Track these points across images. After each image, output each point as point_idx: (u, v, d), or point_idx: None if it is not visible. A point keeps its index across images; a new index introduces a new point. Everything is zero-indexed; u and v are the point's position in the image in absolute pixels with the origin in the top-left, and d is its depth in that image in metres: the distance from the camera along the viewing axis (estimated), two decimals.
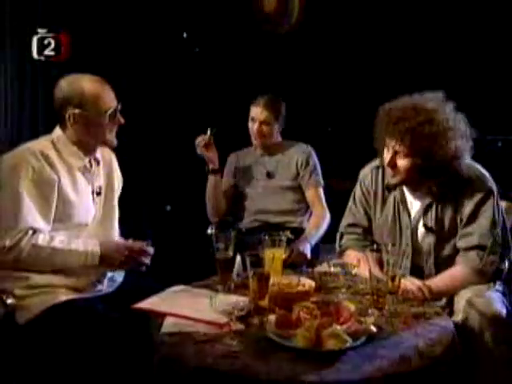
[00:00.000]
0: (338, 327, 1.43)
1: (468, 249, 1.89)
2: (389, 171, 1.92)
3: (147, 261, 1.89)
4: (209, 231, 2.37)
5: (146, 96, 3.38)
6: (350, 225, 2.13)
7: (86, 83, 1.82)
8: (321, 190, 2.69)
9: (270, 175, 2.70)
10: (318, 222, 2.61)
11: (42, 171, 1.74)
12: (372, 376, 1.33)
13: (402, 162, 1.86)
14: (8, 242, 1.68)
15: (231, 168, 2.78)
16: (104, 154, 1.99)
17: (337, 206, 2.42)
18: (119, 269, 1.91)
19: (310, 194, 2.67)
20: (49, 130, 1.92)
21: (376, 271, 1.68)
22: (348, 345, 1.40)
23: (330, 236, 2.44)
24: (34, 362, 1.71)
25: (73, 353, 1.68)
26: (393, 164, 1.88)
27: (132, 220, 2.12)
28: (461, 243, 1.91)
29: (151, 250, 1.90)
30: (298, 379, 1.31)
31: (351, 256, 2.01)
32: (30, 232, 1.71)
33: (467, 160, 1.90)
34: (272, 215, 2.65)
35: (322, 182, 2.70)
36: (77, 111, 1.80)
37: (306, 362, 1.36)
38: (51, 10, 3.03)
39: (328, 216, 2.64)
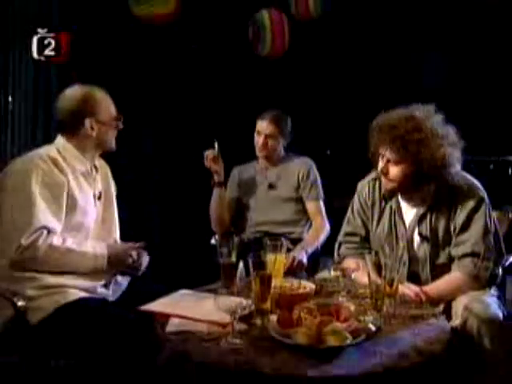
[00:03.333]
0: (339, 324, 1.48)
1: (462, 256, 1.94)
2: (383, 179, 1.99)
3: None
4: (212, 241, 2.42)
5: (148, 103, 3.43)
6: (348, 234, 2.20)
7: (95, 92, 1.94)
8: (321, 203, 2.76)
9: (271, 186, 2.77)
10: (316, 233, 2.68)
11: (51, 174, 1.83)
12: (371, 371, 1.37)
13: (394, 169, 1.93)
14: (24, 241, 1.73)
15: (234, 181, 2.86)
16: (101, 163, 2.09)
17: (336, 222, 2.47)
18: (127, 271, 1.96)
19: (310, 206, 2.75)
20: (47, 130, 1.99)
21: (374, 276, 1.73)
22: (348, 342, 1.44)
23: (329, 249, 2.48)
24: (45, 360, 1.76)
25: (82, 350, 1.73)
26: (385, 171, 1.95)
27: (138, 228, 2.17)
28: (455, 251, 1.97)
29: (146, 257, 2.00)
30: (300, 374, 1.36)
31: (349, 264, 2.06)
32: (45, 232, 1.78)
33: (458, 169, 1.97)
34: (273, 225, 2.71)
35: (322, 194, 2.77)
36: (93, 119, 1.92)
37: (307, 357, 1.41)
38: (51, 10, 3.06)
39: (327, 228, 2.71)
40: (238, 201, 2.83)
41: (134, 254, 1.95)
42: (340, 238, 2.22)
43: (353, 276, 1.83)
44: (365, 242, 2.15)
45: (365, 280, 1.78)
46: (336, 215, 2.49)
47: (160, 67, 3.55)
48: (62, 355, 1.78)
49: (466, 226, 1.94)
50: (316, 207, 2.74)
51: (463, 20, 3.54)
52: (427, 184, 1.95)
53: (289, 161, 2.81)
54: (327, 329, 1.45)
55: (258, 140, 2.72)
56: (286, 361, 1.40)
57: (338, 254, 2.18)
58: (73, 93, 1.94)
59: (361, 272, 1.84)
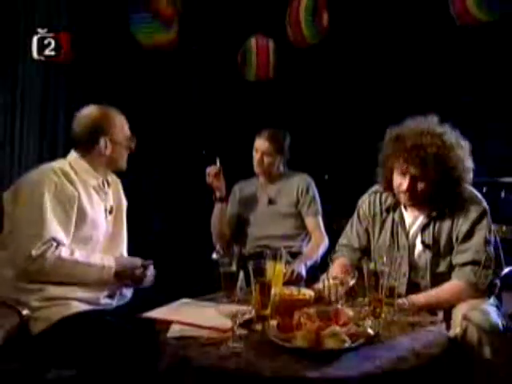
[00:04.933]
0: (337, 328, 1.50)
1: (463, 264, 1.97)
2: (404, 195, 2.01)
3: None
4: (214, 256, 2.45)
5: (149, 117, 3.46)
6: (341, 245, 2.27)
7: (112, 112, 2.02)
8: (319, 218, 2.81)
9: (271, 202, 2.83)
10: (316, 246, 2.73)
11: (63, 187, 1.88)
12: (371, 373, 1.39)
13: (422, 186, 1.96)
14: (34, 252, 1.77)
15: (235, 197, 2.92)
16: (112, 179, 2.15)
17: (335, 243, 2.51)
18: (131, 285, 2.00)
19: (309, 221, 2.80)
20: (53, 144, 2.06)
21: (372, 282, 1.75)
22: (347, 345, 1.46)
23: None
24: (45, 370, 1.77)
25: (82, 361, 1.75)
26: (412, 188, 1.97)
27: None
28: (456, 259, 1.99)
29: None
30: (299, 375, 1.38)
31: (341, 261, 2.15)
32: (54, 244, 1.82)
33: (471, 176, 2.02)
34: (272, 240, 2.75)
35: (320, 210, 2.82)
36: (108, 138, 1.99)
37: (307, 360, 1.43)
38: (51, 10, 3.08)
39: (326, 242, 2.75)
40: (239, 216, 2.88)
41: (139, 271, 2.00)
42: (336, 247, 2.29)
43: (350, 283, 1.85)
44: (356, 251, 2.20)
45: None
46: (335, 237, 2.51)
47: (163, 79, 3.61)
48: (62, 365, 1.79)
49: (468, 236, 1.98)
50: (315, 222, 2.79)
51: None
52: (447, 193, 1.99)
53: (288, 177, 2.87)
54: (326, 332, 1.48)
55: (255, 157, 2.80)
56: (286, 363, 1.42)
57: (331, 259, 2.20)
58: (90, 111, 2.01)
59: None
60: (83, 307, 1.86)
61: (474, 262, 1.94)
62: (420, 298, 1.91)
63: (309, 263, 2.58)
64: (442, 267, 2.03)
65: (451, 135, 1.99)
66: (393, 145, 2.02)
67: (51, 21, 2.98)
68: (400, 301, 1.85)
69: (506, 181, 3.79)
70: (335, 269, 2.09)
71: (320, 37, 3.47)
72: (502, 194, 3.83)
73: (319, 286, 1.99)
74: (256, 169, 2.83)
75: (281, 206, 2.81)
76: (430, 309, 1.90)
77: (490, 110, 3.51)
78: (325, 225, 2.84)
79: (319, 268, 2.64)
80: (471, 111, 3.57)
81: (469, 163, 2.00)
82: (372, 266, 1.80)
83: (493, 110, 3.51)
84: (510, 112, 3.47)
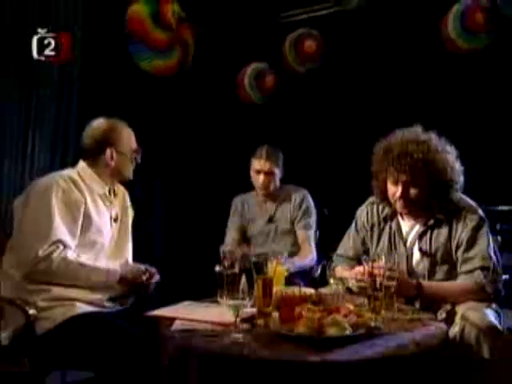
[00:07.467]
0: (339, 316, 1.53)
1: (472, 270, 1.99)
2: (399, 203, 2.08)
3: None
4: (217, 269, 2.49)
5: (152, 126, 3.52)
6: (339, 255, 2.32)
7: (120, 124, 2.11)
8: (310, 233, 2.86)
9: (271, 220, 2.89)
10: (302, 257, 2.78)
11: (70, 193, 1.95)
12: (371, 358, 1.42)
13: (414, 191, 2.03)
14: (41, 253, 1.83)
15: (238, 210, 2.98)
16: (119, 189, 2.22)
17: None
18: (135, 291, 2.04)
19: (299, 234, 2.85)
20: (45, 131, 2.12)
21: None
22: (347, 332, 1.49)
23: None
24: (49, 370, 1.79)
25: (87, 361, 1.78)
26: (405, 194, 2.04)
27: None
28: (464, 267, 2.01)
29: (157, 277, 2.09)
30: (301, 360, 1.41)
31: (340, 270, 2.16)
32: (61, 246, 1.87)
33: (462, 181, 2.09)
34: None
35: (312, 225, 2.86)
36: (114, 149, 2.07)
37: (308, 347, 1.45)
38: (51, 10, 3.10)
39: (313, 256, 2.81)
40: (241, 228, 2.95)
41: (145, 276, 2.04)
42: (334, 256, 2.34)
43: (350, 284, 1.89)
44: (352, 261, 2.23)
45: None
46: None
47: (169, 91, 3.67)
48: (65, 366, 1.82)
49: (471, 244, 2.01)
50: (305, 235, 2.83)
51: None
52: (439, 198, 2.06)
53: (286, 192, 2.92)
54: (327, 320, 1.51)
55: (258, 178, 2.81)
56: (287, 350, 1.45)
57: (329, 267, 2.23)
58: (99, 123, 2.10)
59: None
60: (87, 309, 1.89)
61: (482, 268, 1.97)
62: (429, 284, 1.98)
63: (292, 269, 2.51)
64: (440, 275, 2.07)
65: (436, 141, 2.08)
66: (382, 157, 2.11)
67: (51, 21, 3.03)
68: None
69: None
70: (344, 270, 2.13)
71: (312, 64, 3.66)
72: (498, 225, 3.85)
73: (323, 290, 2.05)
74: (261, 191, 2.85)
75: (279, 224, 2.87)
76: (435, 300, 1.95)
77: (485, 136, 3.57)
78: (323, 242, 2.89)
79: (320, 282, 2.68)
80: (467, 137, 3.64)
81: (457, 166, 2.07)
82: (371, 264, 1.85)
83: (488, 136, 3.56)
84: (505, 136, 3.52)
